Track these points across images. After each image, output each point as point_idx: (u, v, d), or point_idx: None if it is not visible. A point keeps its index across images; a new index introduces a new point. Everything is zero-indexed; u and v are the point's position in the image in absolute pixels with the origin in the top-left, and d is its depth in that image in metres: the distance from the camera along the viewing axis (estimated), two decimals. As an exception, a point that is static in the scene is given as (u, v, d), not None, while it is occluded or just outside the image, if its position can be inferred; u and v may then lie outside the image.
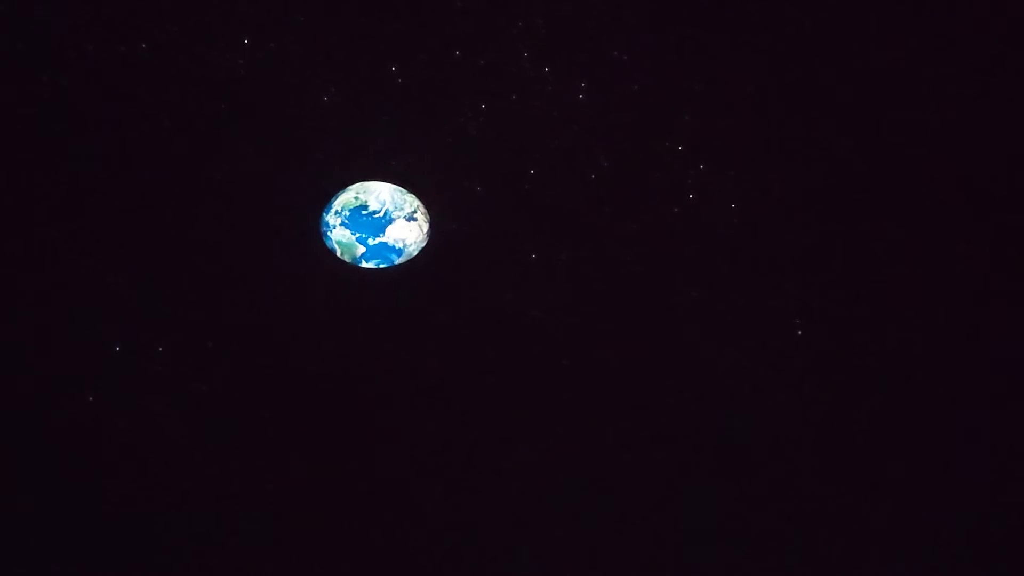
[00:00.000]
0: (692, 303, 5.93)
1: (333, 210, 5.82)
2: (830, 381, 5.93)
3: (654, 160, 5.85)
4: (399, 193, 5.86)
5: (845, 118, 5.80)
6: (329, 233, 5.82)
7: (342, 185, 5.83)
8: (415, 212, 5.86)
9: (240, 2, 5.64)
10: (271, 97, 5.72)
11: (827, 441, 5.93)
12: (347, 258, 5.83)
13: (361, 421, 5.92)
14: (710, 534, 5.93)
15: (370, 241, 5.82)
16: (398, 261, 5.86)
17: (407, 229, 5.84)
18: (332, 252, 5.82)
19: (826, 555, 5.94)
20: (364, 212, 5.82)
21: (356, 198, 5.83)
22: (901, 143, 5.82)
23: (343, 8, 5.68)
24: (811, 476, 5.92)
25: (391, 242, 5.83)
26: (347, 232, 5.81)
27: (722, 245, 5.88)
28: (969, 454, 5.90)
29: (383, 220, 5.82)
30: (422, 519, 5.95)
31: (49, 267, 5.68)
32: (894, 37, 5.75)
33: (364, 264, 5.84)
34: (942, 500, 5.92)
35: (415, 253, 5.87)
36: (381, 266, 5.85)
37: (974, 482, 5.89)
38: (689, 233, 5.88)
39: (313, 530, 5.89)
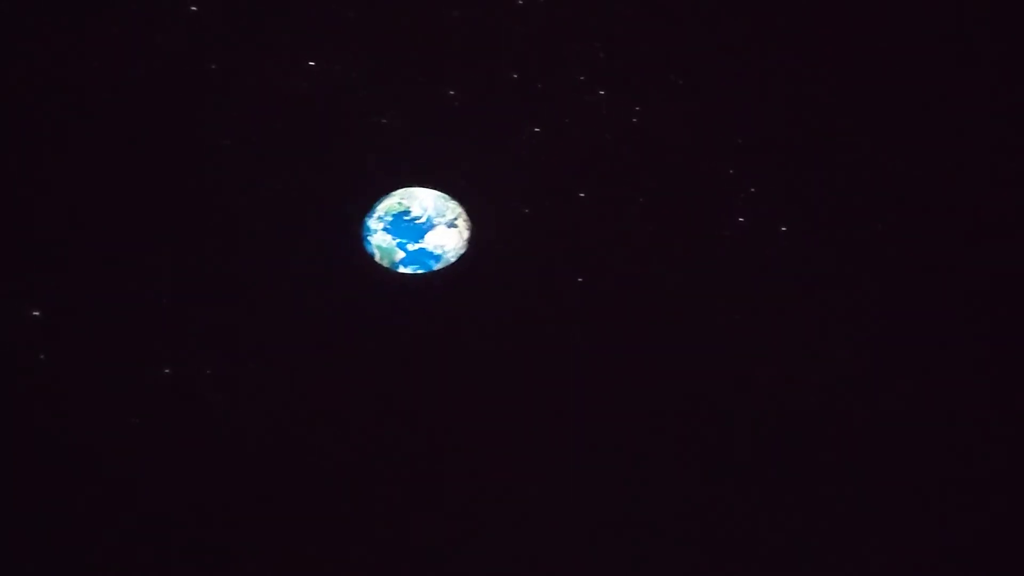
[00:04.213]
0: (741, 327, 5.73)
1: (376, 215, 5.78)
2: (882, 408, 5.63)
3: (704, 183, 5.79)
4: (443, 200, 5.80)
5: (899, 144, 5.73)
6: (370, 238, 5.75)
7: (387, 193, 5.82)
8: (456, 219, 5.78)
9: (305, 25, 5.85)
10: (329, 117, 5.81)
11: (879, 466, 5.61)
12: (386, 263, 5.73)
13: (389, 424, 5.69)
14: (753, 553, 5.62)
15: (410, 247, 5.75)
16: (436, 267, 5.75)
17: (447, 235, 5.76)
18: (371, 257, 5.74)
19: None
20: (406, 218, 5.77)
21: (400, 203, 5.80)
22: (957, 168, 5.71)
23: (404, 32, 5.83)
24: (858, 500, 5.60)
25: (430, 248, 5.75)
26: (388, 237, 5.75)
27: (772, 269, 5.73)
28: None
29: (424, 226, 5.76)
30: (450, 525, 5.64)
31: (94, 285, 5.61)
32: (949, 65, 5.75)
33: (401, 269, 5.73)
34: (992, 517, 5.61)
35: (453, 260, 5.76)
36: (418, 271, 5.74)
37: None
38: (738, 257, 5.74)
39: (348, 535, 5.59)
